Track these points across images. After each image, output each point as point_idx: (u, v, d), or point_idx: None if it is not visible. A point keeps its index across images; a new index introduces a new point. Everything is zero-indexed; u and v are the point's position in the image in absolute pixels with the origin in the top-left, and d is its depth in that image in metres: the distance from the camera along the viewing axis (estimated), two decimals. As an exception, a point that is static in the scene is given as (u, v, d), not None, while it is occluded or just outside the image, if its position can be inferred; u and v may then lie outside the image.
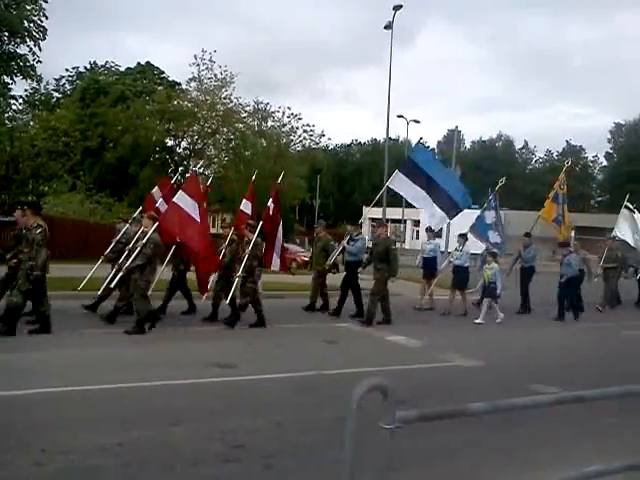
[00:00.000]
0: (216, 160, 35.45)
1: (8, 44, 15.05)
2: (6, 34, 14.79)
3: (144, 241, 9.60)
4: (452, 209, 13.93)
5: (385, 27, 27.86)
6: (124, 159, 33.45)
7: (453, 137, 41.46)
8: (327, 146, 62.40)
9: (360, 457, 2.90)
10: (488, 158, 77.97)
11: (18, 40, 15.01)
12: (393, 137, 57.18)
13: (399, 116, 43.19)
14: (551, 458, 5.15)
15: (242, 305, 10.68)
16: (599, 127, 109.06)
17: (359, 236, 12.74)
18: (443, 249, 23.60)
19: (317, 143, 42.61)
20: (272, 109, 38.06)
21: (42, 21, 15.26)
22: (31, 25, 14.94)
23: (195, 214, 10.21)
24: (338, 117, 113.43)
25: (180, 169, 36.80)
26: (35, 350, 8.06)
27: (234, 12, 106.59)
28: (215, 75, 34.36)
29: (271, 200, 11.94)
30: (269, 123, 38.19)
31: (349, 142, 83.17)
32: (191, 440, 5.06)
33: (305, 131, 39.55)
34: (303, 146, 40.72)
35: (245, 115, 36.12)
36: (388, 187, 14.27)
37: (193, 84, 35.32)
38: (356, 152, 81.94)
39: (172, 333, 9.92)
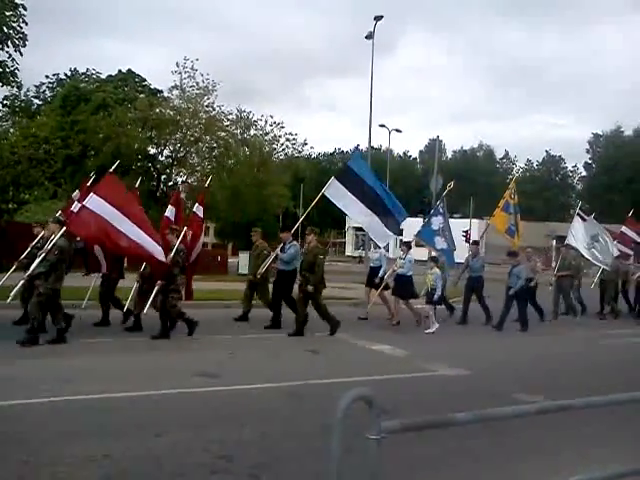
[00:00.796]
0: (199, 168, 35.31)
1: (-14, 50, 14.87)
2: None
3: (48, 247, 9.12)
4: (393, 223, 13.58)
5: (366, 37, 28.03)
6: (106, 167, 33.11)
7: (435, 146, 41.74)
8: (310, 155, 62.65)
9: (346, 467, 2.90)
10: (469, 167, 78.71)
11: (-3, 46, 14.83)
12: (375, 146, 57.46)
13: (381, 125, 43.42)
14: (536, 467, 5.18)
15: (179, 314, 10.43)
16: (577, 137, 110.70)
17: (292, 243, 12.14)
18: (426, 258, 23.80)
19: (300, 152, 42.68)
20: (255, 117, 38.07)
21: (22, 27, 15.11)
22: (11, 31, 14.76)
23: (112, 217, 9.30)
24: (321, 126, 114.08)
25: (163, 177, 36.73)
26: (14, 360, 7.97)
27: (216, 20, 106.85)
28: (197, 83, 34.30)
29: (197, 205, 11.62)
30: (252, 131, 38.18)
31: (332, 151, 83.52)
32: (176, 451, 5.04)
33: (288, 139, 39.58)
34: (286, 155, 40.71)
35: (228, 123, 36.07)
36: (323, 194, 13.26)
37: (175, 92, 35.20)
38: (339, 161, 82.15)
39: (149, 343, 9.83)
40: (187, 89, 34.66)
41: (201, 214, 12.01)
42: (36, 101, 40.56)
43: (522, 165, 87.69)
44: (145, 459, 4.85)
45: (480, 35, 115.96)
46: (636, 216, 20.01)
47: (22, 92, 34.85)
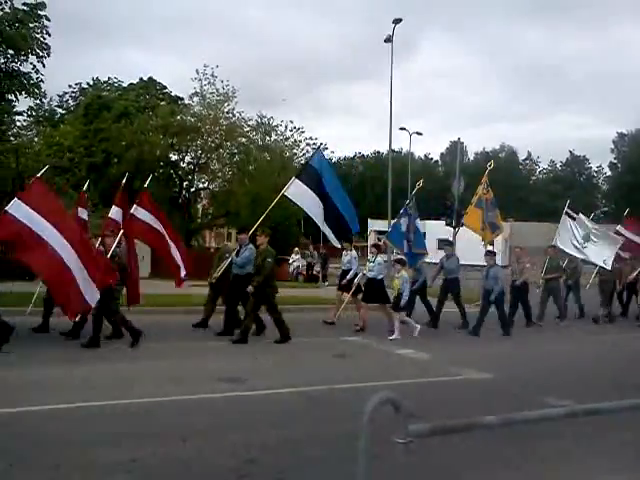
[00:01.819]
0: (220, 174, 35.53)
1: (12, 62, 15.11)
2: (10, 52, 14.85)
3: None
4: (342, 230, 13.00)
5: (385, 40, 28.04)
6: (129, 174, 33.54)
7: (456, 149, 41.49)
8: (330, 159, 62.51)
9: (373, 471, 2.86)
10: (492, 169, 77.92)
11: (22, 57, 15.06)
12: (396, 149, 57.35)
13: (401, 128, 43.27)
14: (563, 474, 5.08)
15: (120, 320, 9.84)
16: (602, 137, 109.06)
17: (247, 246, 11.38)
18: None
19: (320, 156, 42.67)
20: (275, 123, 38.21)
21: (45, 38, 15.34)
22: (34, 43, 14.99)
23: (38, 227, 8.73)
24: (341, 130, 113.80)
25: (185, 184, 37.02)
26: (44, 366, 8.08)
27: (236, 27, 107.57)
28: (217, 90, 34.55)
29: (135, 206, 10.60)
30: (272, 137, 38.31)
31: (352, 155, 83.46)
32: (203, 455, 5.07)
33: (308, 144, 39.58)
34: (306, 159, 40.75)
35: (248, 129, 36.25)
36: (284, 195, 12.76)
37: (196, 99, 35.48)
38: (359, 165, 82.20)
39: (174, 348, 9.87)
40: (207, 96, 34.93)
41: (143, 216, 10.77)
42: (59, 110, 41.24)
43: (545, 166, 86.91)
44: (172, 463, 4.88)
45: (500, 35, 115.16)
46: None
47: (46, 102, 35.41)
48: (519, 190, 73.28)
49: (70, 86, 41.26)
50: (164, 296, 14.01)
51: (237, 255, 11.33)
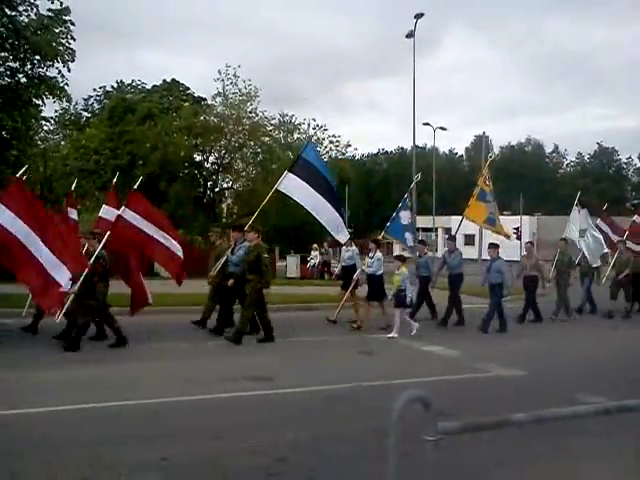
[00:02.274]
0: (244, 174, 35.70)
1: (38, 67, 15.33)
2: (36, 57, 15.07)
3: None
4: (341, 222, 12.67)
5: (407, 36, 27.88)
6: (154, 175, 33.89)
7: (481, 143, 41.08)
8: (354, 156, 62.47)
9: (403, 469, 2.82)
10: (518, 163, 77.10)
11: (48, 63, 15.27)
12: (420, 145, 56.94)
13: (425, 124, 42.91)
14: (597, 473, 4.97)
15: (81, 326, 9.45)
16: (631, 128, 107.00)
17: (242, 244, 11.06)
18: (476, 257, 23.35)
19: (343, 154, 42.74)
20: (297, 121, 38.29)
21: (70, 43, 15.51)
22: (60, 48, 15.18)
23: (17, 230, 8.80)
24: (364, 127, 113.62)
25: (209, 184, 37.26)
26: (73, 367, 8.20)
27: (258, 26, 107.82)
28: (240, 90, 34.72)
29: (124, 207, 10.13)
30: (295, 135, 38.39)
31: (376, 152, 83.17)
32: (233, 454, 5.08)
33: (331, 142, 39.73)
34: (330, 157, 40.81)
35: (271, 128, 36.38)
36: (277, 190, 12.51)
37: (218, 99, 35.72)
38: (383, 161, 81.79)
39: (196, 348, 9.91)
40: (230, 96, 35.14)
41: (130, 219, 10.15)
42: (85, 114, 41.81)
43: (573, 159, 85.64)
44: (202, 462, 4.91)
45: (524, 27, 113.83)
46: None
47: (71, 106, 35.96)
48: (546, 184, 72.23)
49: (95, 90, 41.85)
50: (188, 295, 14.03)
51: (232, 253, 11.15)
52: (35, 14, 15.12)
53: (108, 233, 9.85)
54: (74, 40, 15.44)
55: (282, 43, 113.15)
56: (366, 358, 9.60)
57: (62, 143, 36.89)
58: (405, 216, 13.85)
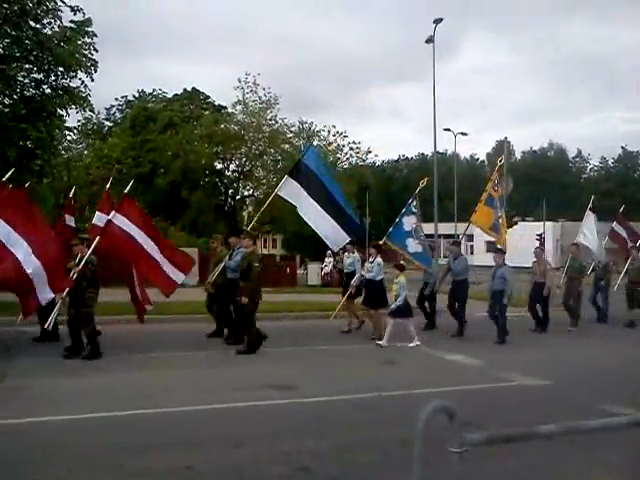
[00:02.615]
0: (264, 181, 35.85)
1: (62, 78, 15.56)
2: (60, 69, 15.29)
3: None
4: (350, 225, 12.47)
5: (426, 41, 27.71)
6: (175, 184, 34.20)
7: (502, 148, 40.72)
8: (374, 163, 62.38)
9: (427, 480, 2.77)
10: (540, 168, 76.29)
11: (71, 74, 15.49)
12: (441, 151, 56.62)
13: (446, 129, 42.59)
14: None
15: (90, 335, 9.39)
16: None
17: (239, 250, 10.85)
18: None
19: (364, 160, 42.65)
20: (317, 128, 38.36)
21: (92, 54, 15.71)
22: (82, 59, 15.39)
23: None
24: (384, 133, 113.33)
25: (230, 191, 37.46)
26: (96, 374, 8.29)
27: (276, 33, 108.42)
28: (259, 97, 34.92)
29: (114, 212, 9.84)
30: (315, 142, 38.45)
31: (396, 158, 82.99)
32: (256, 462, 5.06)
33: (351, 149, 39.68)
34: (350, 164, 40.79)
35: (291, 135, 36.52)
36: (277, 195, 12.42)
37: (238, 107, 35.99)
38: (403, 167, 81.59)
39: (219, 356, 9.94)
40: (250, 104, 35.35)
41: (120, 224, 9.87)
42: (107, 123, 42.37)
43: (597, 163, 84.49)
44: (225, 470, 4.89)
45: (544, 31, 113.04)
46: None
47: (94, 116, 36.40)
48: (570, 189, 71.30)
49: (117, 99, 42.42)
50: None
51: (230, 259, 11.03)
52: (58, 26, 15.35)
53: (97, 238, 9.69)
54: (96, 51, 15.64)
55: (301, 50, 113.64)
56: (388, 367, 9.52)
57: (85, 152, 37.36)
58: (408, 222, 13.53)
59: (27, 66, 15.12)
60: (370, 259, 12.16)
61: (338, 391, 7.53)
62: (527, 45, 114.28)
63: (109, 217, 9.89)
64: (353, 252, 12.98)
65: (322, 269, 27.37)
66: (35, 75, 15.37)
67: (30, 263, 8.85)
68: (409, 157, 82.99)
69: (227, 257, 11.14)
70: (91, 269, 9.47)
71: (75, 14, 15.37)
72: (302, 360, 9.72)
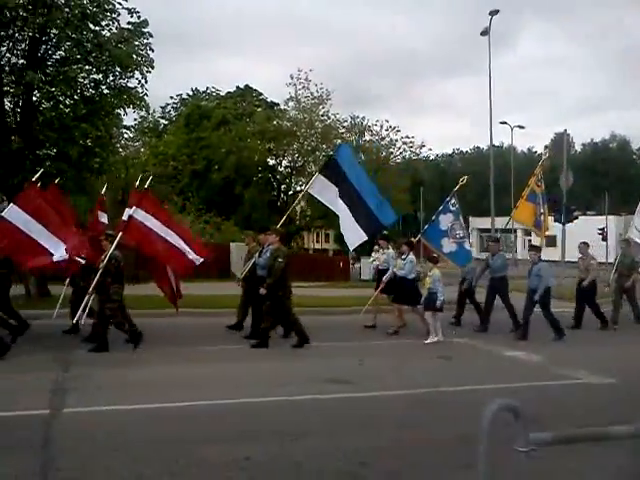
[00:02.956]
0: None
1: (120, 78, 15.90)
2: (118, 69, 15.63)
3: None
4: (371, 224, 12.25)
5: (482, 33, 27.13)
6: (229, 180, 34.65)
7: (561, 141, 39.54)
8: (428, 157, 61.53)
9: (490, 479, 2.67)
10: (601, 160, 73.73)
11: (129, 74, 15.82)
12: (497, 144, 55.51)
13: (502, 122, 41.60)
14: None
15: (118, 324, 9.64)
16: None
17: (270, 247, 10.69)
18: (558, 259, 22.38)
19: (417, 154, 42.11)
20: (369, 123, 38.13)
21: (149, 54, 15.98)
22: (139, 59, 15.68)
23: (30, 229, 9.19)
24: (438, 127, 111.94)
25: (282, 187, 37.70)
26: (154, 366, 8.46)
27: (327, 29, 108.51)
28: (312, 93, 34.96)
29: (135, 207, 10.00)
30: (367, 137, 38.25)
31: (451, 152, 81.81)
32: (314, 456, 5.05)
33: (405, 143, 39.24)
34: (403, 158, 40.38)
35: (343, 131, 36.42)
36: (308, 193, 12.44)
37: (291, 103, 36.17)
38: (458, 161, 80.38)
39: (274, 350, 9.97)
40: (302, 100, 35.46)
41: (142, 218, 10.04)
42: (162, 121, 43.25)
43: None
44: (284, 463, 4.90)
45: (604, 19, 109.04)
46: None
47: (150, 114, 37.22)
48: (633, 181, 68.69)
49: (171, 97, 43.28)
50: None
51: (260, 256, 10.92)
52: (116, 28, 15.67)
53: (120, 234, 9.87)
54: (152, 51, 15.90)
55: (353, 45, 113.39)
56: (447, 363, 9.36)
57: (142, 150, 38.26)
58: (445, 221, 13.17)
59: (87, 67, 15.48)
60: (402, 256, 11.95)
61: (394, 386, 7.45)
62: (586, 35, 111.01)
63: (130, 212, 10.12)
64: (387, 248, 12.74)
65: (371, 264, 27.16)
66: (94, 76, 15.75)
67: (47, 238, 9.18)
68: (464, 151, 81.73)
69: (257, 254, 11.07)
70: (114, 264, 9.59)
71: (132, 16, 15.68)
72: (356, 355, 9.62)
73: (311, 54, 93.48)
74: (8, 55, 14.83)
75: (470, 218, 46.09)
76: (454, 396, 7.08)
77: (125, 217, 10.78)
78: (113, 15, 15.49)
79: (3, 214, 9.26)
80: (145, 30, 15.90)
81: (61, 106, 15.48)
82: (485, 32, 26.92)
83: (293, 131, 34.87)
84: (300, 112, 35.29)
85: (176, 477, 4.56)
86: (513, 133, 42.53)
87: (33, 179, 10.01)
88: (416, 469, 4.87)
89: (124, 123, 18.58)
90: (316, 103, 35.06)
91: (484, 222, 24.14)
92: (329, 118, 35.29)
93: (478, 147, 77.76)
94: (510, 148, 47.30)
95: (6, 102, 14.96)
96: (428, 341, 10.80)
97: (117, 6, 15.45)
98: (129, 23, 15.79)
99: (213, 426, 5.83)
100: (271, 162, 37.51)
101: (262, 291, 10.18)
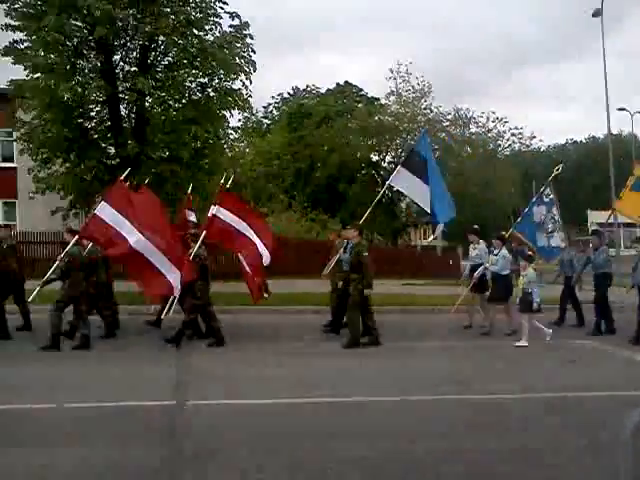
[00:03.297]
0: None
1: (224, 81, 16.30)
2: (222, 72, 16.02)
3: (62, 255, 9.34)
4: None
5: (593, 15, 25.43)
6: (333, 177, 34.80)
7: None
8: (539, 148, 58.93)
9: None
10: None
11: (232, 76, 16.17)
12: (615, 132, 52.03)
13: (620, 109, 38.92)
14: None
15: (185, 323, 9.70)
16: None
17: (351, 242, 10.43)
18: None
19: (527, 146, 40.36)
20: (474, 114, 36.98)
21: (251, 56, 16.26)
22: (241, 61, 16.00)
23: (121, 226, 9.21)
24: (548, 116, 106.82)
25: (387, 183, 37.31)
26: (265, 362, 8.56)
27: (428, 19, 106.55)
28: (413, 87, 34.38)
29: (218, 206, 10.14)
30: (472, 129, 37.10)
31: (563, 142, 77.86)
32: (433, 458, 4.81)
33: (513, 134, 37.74)
34: (512, 150, 38.85)
35: (447, 124, 35.55)
36: (390, 185, 12.36)
37: (392, 98, 35.75)
38: (572, 152, 76.32)
39: (392, 348, 9.74)
40: (403, 94, 34.96)
41: (224, 217, 10.25)
42: (265, 121, 44.14)
43: None
44: (403, 463, 4.74)
45: None
46: None
47: (253, 114, 38.08)
48: None
49: (273, 97, 44.11)
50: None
51: (344, 251, 10.71)
52: (219, 32, 16.07)
53: (204, 233, 10.03)
54: (254, 52, 16.16)
55: (453, 35, 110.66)
56: (573, 366, 8.71)
57: (246, 150, 39.28)
58: (538, 212, 12.51)
59: (193, 71, 16.01)
60: (495, 251, 11.37)
61: (517, 389, 7.06)
62: None
63: (213, 212, 10.22)
64: (478, 243, 12.09)
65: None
66: (200, 79, 16.24)
67: (146, 249, 9.15)
68: (578, 140, 77.50)
69: (342, 250, 10.89)
70: (199, 262, 9.73)
71: (233, 19, 16.02)
72: (470, 355, 9.28)
73: (411, 45, 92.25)
74: (122, 63, 15.61)
75: (588, 211, 43.56)
76: (580, 401, 6.57)
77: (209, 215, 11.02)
78: (216, 19, 15.91)
79: (95, 211, 9.67)
80: (246, 32, 16.19)
81: (171, 110, 16.10)
82: (597, 13, 25.26)
83: (395, 126, 34.44)
84: (402, 106, 34.81)
85: (296, 471, 4.53)
86: (633, 120, 39.73)
87: (121, 177, 10.26)
88: (544, 474, 4.55)
89: (230, 124, 19.06)
90: (418, 96, 34.46)
91: (603, 216, 22.50)
92: (431, 111, 34.58)
93: (594, 136, 73.40)
94: (631, 136, 44.19)
95: (121, 108, 15.72)
96: (519, 344, 10.01)
97: (219, 10, 15.85)
98: (231, 26, 16.14)
99: (335, 423, 5.77)
100: (374, 158, 37.27)
101: (367, 292, 9.87)
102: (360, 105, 37.98)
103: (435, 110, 34.67)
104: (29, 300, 9.67)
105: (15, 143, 18.13)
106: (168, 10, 15.15)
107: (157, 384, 7.03)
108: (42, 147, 15.16)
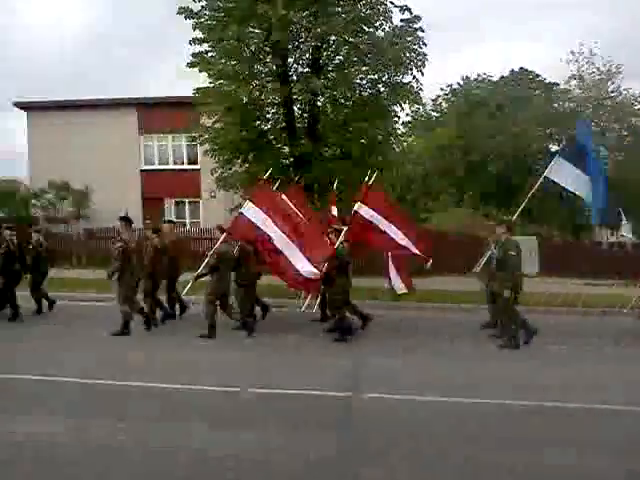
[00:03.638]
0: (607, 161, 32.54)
1: (395, 76, 16.18)
2: (392, 67, 15.90)
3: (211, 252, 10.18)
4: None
5: None
6: (506, 170, 33.22)
7: None
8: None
9: None
10: None
11: (403, 70, 16.00)
12: None
13: None
14: None
15: (341, 317, 9.99)
16: None
17: (500, 239, 10.02)
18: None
19: None
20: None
21: (422, 48, 15.94)
22: (412, 55, 15.74)
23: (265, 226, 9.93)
24: None
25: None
26: (426, 360, 8.63)
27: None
28: (597, 68, 31.70)
29: (359, 203, 10.46)
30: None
31: None
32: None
33: None
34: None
35: (639, 107, 32.37)
36: (546, 177, 11.65)
37: (573, 82, 33.24)
38: None
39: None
40: (586, 77, 32.38)
41: (365, 214, 10.57)
42: (434, 114, 43.18)
43: None
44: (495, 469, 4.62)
45: None
46: None
47: (421, 108, 37.42)
48: None
49: (442, 89, 42.92)
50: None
51: (495, 249, 10.27)
52: (389, 27, 15.94)
53: (345, 228, 10.29)
54: (425, 45, 15.82)
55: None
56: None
57: (414, 144, 38.76)
58: None
59: (364, 69, 16.07)
60: None
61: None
62: None
63: (355, 208, 10.62)
64: (628, 235, 11.95)
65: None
66: (371, 76, 16.26)
67: (289, 251, 9.80)
68: None
69: (493, 247, 10.51)
70: (340, 258, 9.93)
71: (403, 13, 15.79)
72: (565, 359, 8.74)
73: (593, 25, 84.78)
74: (295, 65, 16.12)
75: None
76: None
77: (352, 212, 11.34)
78: (386, 15, 15.79)
79: (241, 210, 10.52)
80: (417, 26, 15.90)
81: (342, 107, 16.32)
82: None
83: (576, 112, 32.03)
84: (585, 90, 32.27)
85: (448, 474, 4.51)
86: None
87: (264, 177, 10.89)
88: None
89: (400, 119, 18.88)
90: (604, 79, 31.71)
91: None
92: (620, 94, 31.64)
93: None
94: None
95: (295, 109, 16.24)
96: None
97: (389, 5, 15.71)
98: (402, 20, 15.93)
99: (508, 428, 5.63)
100: (553, 148, 34.98)
101: (506, 293, 9.59)
102: (537, 92, 35.81)
103: (625, 92, 31.73)
104: (183, 293, 10.90)
105: (198, 146, 19.49)
106: (339, 9, 15.33)
107: (334, 375, 7.39)
108: (223, 149, 16.14)
